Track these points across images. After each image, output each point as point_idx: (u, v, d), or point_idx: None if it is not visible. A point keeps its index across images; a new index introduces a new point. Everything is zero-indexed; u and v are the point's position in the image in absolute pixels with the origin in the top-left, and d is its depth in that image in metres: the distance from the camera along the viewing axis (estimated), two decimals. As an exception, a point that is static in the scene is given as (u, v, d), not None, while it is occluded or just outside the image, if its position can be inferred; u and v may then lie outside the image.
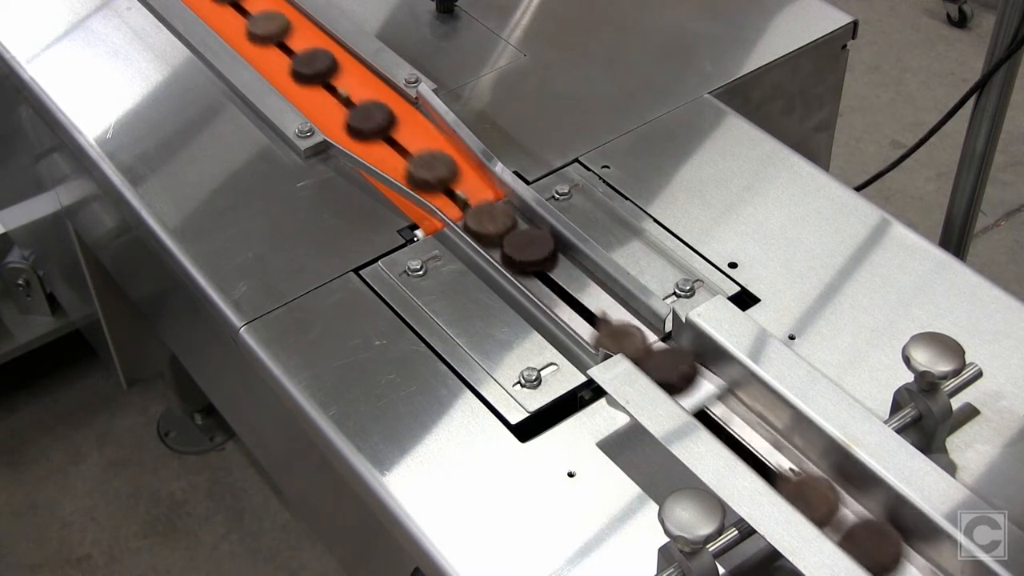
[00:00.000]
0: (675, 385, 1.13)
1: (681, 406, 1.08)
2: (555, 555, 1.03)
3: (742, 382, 1.13)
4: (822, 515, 1.02)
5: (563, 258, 1.30)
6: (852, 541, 1.00)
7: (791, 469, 1.08)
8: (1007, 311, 1.22)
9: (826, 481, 1.05)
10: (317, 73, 1.54)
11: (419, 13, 1.69)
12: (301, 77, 1.54)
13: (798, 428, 1.08)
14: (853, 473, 1.04)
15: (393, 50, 1.57)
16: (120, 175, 1.44)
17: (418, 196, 1.35)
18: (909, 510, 1.00)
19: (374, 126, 1.46)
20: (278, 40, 1.60)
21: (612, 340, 1.19)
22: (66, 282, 2.11)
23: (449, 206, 1.37)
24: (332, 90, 1.53)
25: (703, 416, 1.12)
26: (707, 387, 1.15)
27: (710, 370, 1.16)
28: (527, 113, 1.51)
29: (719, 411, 1.14)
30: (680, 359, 1.16)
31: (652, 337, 1.21)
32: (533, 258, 1.28)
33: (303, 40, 1.60)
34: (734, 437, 1.12)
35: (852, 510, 1.04)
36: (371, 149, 1.44)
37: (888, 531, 1.01)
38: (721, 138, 1.46)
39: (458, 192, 1.38)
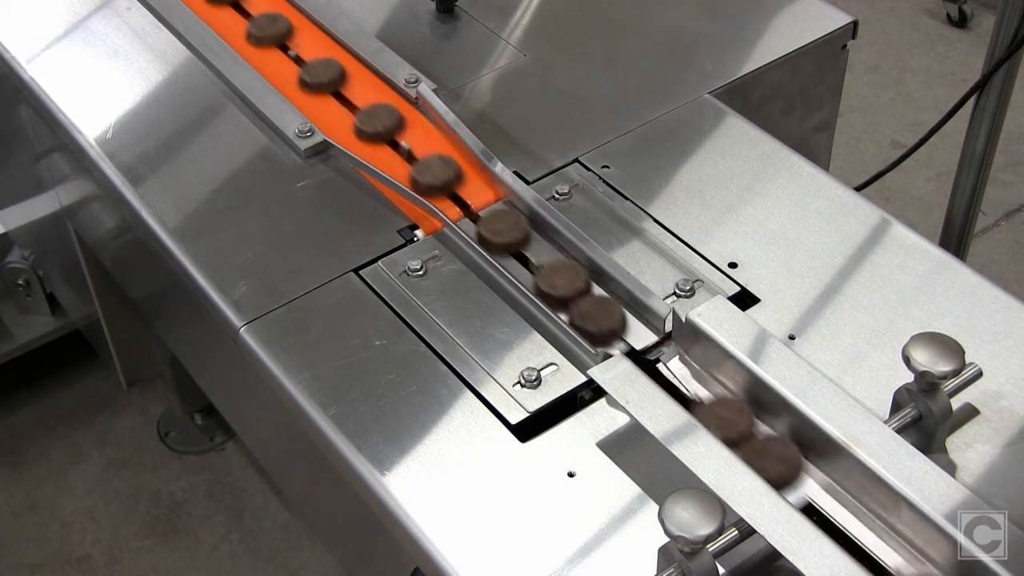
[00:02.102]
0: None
1: (679, 405, 1.08)
2: (555, 555, 1.03)
3: (741, 381, 1.13)
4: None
5: (562, 258, 1.30)
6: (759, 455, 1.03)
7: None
8: (1007, 311, 1.22)
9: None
10: (325, 82, 1.52)
11: (419, 13, 1.69)
12: (308, 86, 1.53)
13: (798, 428, 1.08)
14: (847, 466, 1.04)
15: (393, 50, 1.57)
16: (120, 175, 1.44)
17: (418, 196, 1.35)
18: (899, 501, 1.00)
19: (380, 129, 1.45)
20: (279, 42, 1.60)
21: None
22: (66, 282, 2.11)
23: (449, 206, 1.37)
24: (339, 97, 1.52)
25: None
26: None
27: (705, 366, 1.16)
28: (527, 113, 1.51)
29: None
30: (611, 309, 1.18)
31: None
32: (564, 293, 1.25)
33: (304, 41, 1.60)
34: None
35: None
36: (375, 152, 1.44)
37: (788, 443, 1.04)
38: (721, 138, 1.46)
39: (462, 196, 1.38)
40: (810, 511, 1.04)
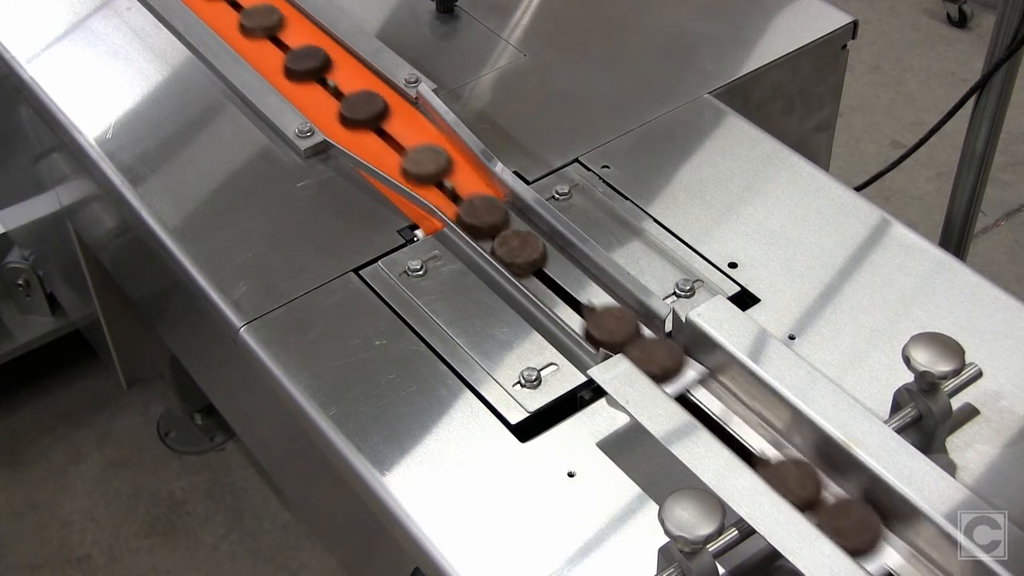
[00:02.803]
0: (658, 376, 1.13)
1: (678, 405, 1.08)
2: (555, 555, 1.03)
3: (741, 381, 1.13)
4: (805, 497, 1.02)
5: (563, 258, 1.30)
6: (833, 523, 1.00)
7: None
8: (1007, 311, 1.22)
9: (809, 465, 1.06)
10: (311, 69, 1.53)
11: (419, 13, 1.69)
12: (294, 74, 1.53)
13: (798, 427, 1.08)
14: (848, 468, 1.04)
15: (393, 50, 1.57)
16: (120, 175, 1.44)
17: (418, 196, 1.36)
18: (896, 498, 1.00)
19: (365, 115, 1.46)
20: (273, 36, 1.60)
21: (603, 327, 1.19)
22: (66, 282, 2.11)
23: (449, 206, 1.37)
24: (325, 84, 1.53)
25: (702, 415, 1.12)
26: (691, 375, 1.15)
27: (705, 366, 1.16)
28: (527, 113, 1.51)
29: (718, 410, 1.14)
30: (668, 349, 1.15)
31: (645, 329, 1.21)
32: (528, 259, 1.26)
33: (299, 38, 1.60)
34: (734, 437, 1.12)
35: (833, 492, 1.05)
36: (365, 141, 1.44)
37: (867, 511, 1.01)
38: (721, 138, 1.46)
39: (454, 188, 1.38)
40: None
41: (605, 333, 1.19)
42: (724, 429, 1.12)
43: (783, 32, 1.61)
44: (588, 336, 1.20)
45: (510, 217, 1.34)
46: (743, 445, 1.11)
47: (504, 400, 1.16)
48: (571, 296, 1.26)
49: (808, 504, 1.03)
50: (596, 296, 1.25)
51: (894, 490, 1.00)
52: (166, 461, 2.26)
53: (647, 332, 1.20)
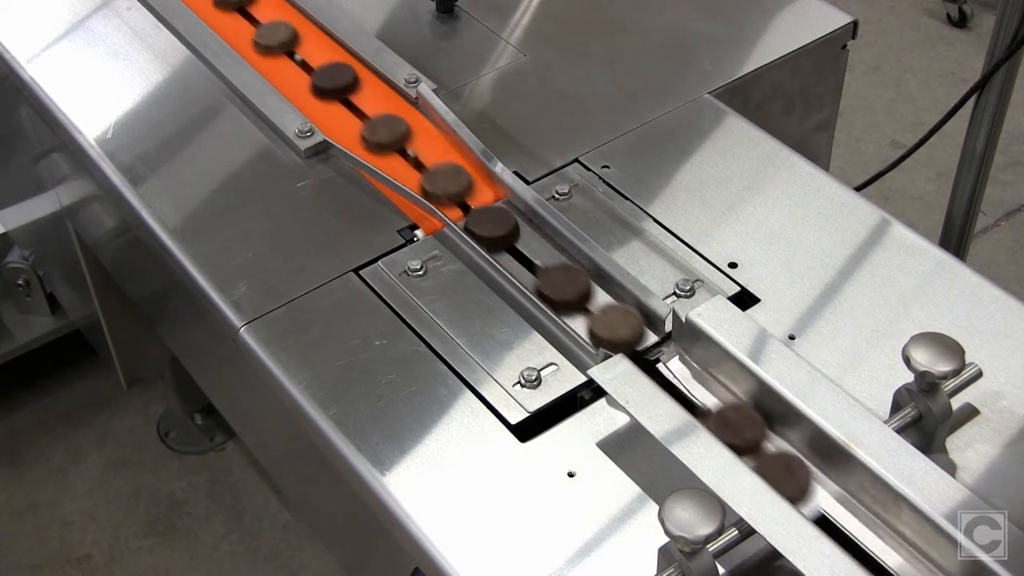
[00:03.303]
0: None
1: (680, 406, 1.08)
2: (555, 555, 1.03)
3: (741, 382, 1.13)
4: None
5: (562, 258, 1.30)
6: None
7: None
8: (1007, 311, 1.22)
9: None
10: (335, 88, 1.52)
11: (419, 13, 1.69)
12: (319, 91, 1.52)
13: (797, 427, 1.08)
14: (849, 468, 1.04)
15: (393, 50, 1.57)
16: (120, 175, 1.44)
17: (418, 197, 1.35)
18: (902, 502, 1.00)
19: (388, 139, 1.44)
20: (288, 49, 1.59)
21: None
22: (66, 282, 2.11)
23: (449, 206, 1.37)
24: (348, 104, 1.52)
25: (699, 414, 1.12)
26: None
27: (705, 366, 1.16)
28: (527, 113, 1.51)
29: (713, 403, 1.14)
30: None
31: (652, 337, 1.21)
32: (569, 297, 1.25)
33: (306, 41, 1.60)
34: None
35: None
36: (381, 160, 1.44)
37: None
38: (721, 138, 1.46)
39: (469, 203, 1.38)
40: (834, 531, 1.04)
41: (558, 292, 1.22)
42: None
43: (783, 32, 1.61)
44: (539, 294, 1.23)
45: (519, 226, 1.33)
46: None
47: (504, 400, 1.16)
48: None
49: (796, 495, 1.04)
50: (599, 299, 1.25)
51: (893, 489, 1.00)
52: (166, 461, 2.26)
53: (599, 292, 1.24)
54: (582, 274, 1.26)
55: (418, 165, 1.40)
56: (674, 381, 1.16)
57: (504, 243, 1.31)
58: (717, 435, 1.05)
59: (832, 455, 1.05)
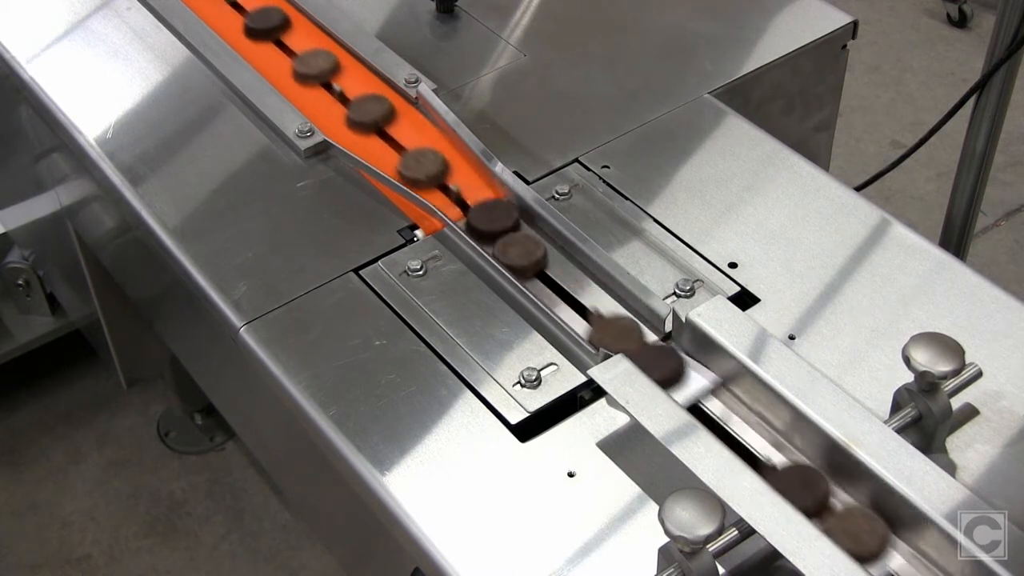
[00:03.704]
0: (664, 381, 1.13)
1: (678, 403, 1.08)
2: (555, 555, 1.03)
3: (742, 381, 1.13)
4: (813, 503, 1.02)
5: (563, 258, 1.30)
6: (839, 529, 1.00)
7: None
8: (1007, 311, 1.22)
9: (816, 471, 1.06)
10: (318, 73, 1.54)
11: (419, 13, 1.69)
12: (301, 77, 1.54)
13: (798, 428, 1.08)
14: (849, 469, 1.04)
15: (393, 50, 1.57)
16: (120, 175, 1.44)
17: (418, 196, 1.36)
18: (903, 504, 1.00)
19: (371, 118, 1.46)
20: (278, 39, 1.60)
21: (607, 335, 1.19)
22: (66, 282, 2.11)
23: (449, 206, 1.37)
24: (331, 89, 1.53)
25: (702, 415, 1.12)
26: (700, 381, 1.14)
27: (705, 366, 1.16)
28: (527, 113, 1.51)
29: (718, 410, 1.14)
30: (669, 356, 1.15)
31: (650, 335, 1.21)
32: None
33: (306, 41, 1.60)
34: (734, 437, 1.12)
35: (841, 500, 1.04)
36: (368, 144, 1.44)
37: (874, 517, 1.01)
38: (721, 138, 1.46)
39: (454, 189, 1.38)
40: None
41: (609, 340, 1.19)
42: (727, 432, 1.13)
43: (783, 32, 1.61)
44: (592, 342, 1.20)
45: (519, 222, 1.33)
46: (749, 451, 1.11)
47: (504, 400, 1.16)
48: (572, 297, 1.26)
49: (816, 510, 1.03)
50: (599, 299, 1.25)
51: (895, 491, 1.00)
52: (166, 461, 2.26)
53: (650, 337, 1.21)
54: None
55: (464, 205, 1.39)
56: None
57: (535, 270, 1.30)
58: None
59: (832, 455, 1.05)
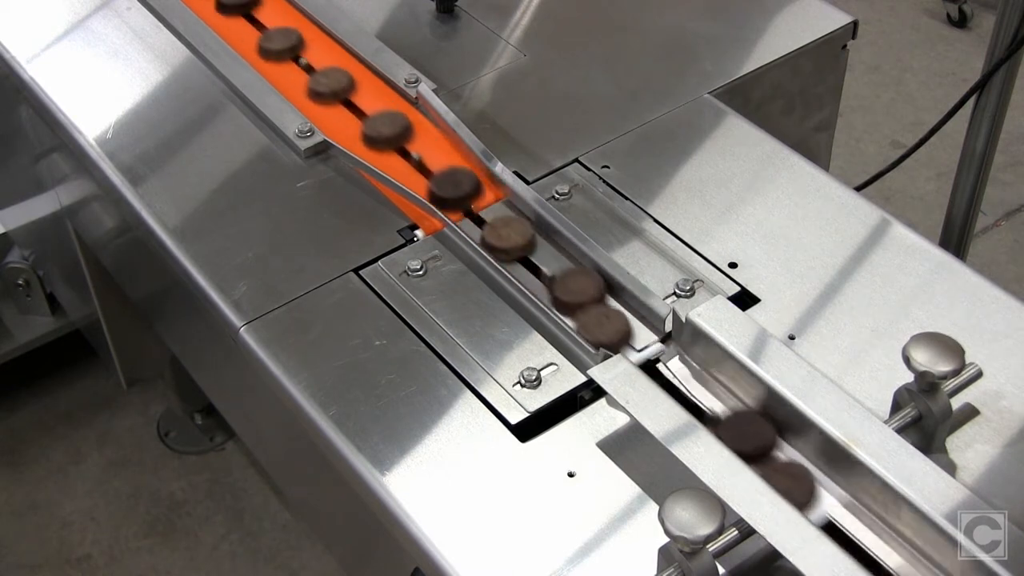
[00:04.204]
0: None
1: (680, 405, 1.08)
2: (555, 555, 1.03)
3: (741, 381, 1.13)
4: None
5: (546, 243, 1.30)
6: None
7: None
8: (1007, 311, 1.22)
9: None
10: (332, 91, 1.51)
11: (419, 13, 1.69)
12: (316, 94, 1.51)
13: (798, 428, 1.08)
14: (849, 469, 1.04)
15: (393, 50, 1.57)
16: (120, 175, 1.44)
17: (418, 196, 1.36)
18: (906, 506, 1.00)
19: (388, 135, 1.44)
20: (292, 53, 1.59)
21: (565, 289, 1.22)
22: (66, 282, 2.11)
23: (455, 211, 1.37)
24: (349, 104, 1.51)
25: (697, 411, 1.12)
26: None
27: (707, 370, 1.16)
28: (527, 113, 1.51)
29: (718, 408, 1.14)
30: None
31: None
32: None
33: (306, 43, 1.59)
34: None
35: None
36: (383, 159, 1.43)
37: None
38: (721, 138, 1.46)
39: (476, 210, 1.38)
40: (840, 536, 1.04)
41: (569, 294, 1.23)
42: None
43: (783, 32, 1.61)
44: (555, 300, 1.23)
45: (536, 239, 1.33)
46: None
47: (504, 400, 1.16)
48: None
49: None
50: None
51: (895, 491, 1.00)
52: (166, 461, 2.26)
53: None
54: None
55: (420, 167, 1.40)
56: (674, 381, 1.16)
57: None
58: (727, 442, 1.04)
59: (833, 456, 1.05)
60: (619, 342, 1.19)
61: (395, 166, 1.42)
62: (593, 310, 1.22)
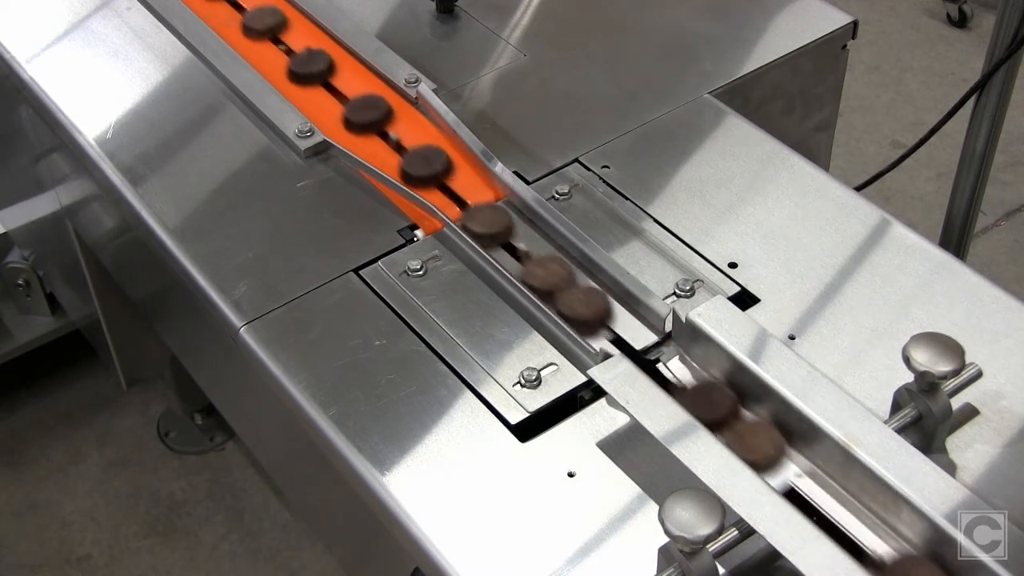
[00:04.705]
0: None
1: (680, 406, 1.08)
2: (555, 555, 1.03)
3: (741, 381, 1.13)
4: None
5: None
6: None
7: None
8: (1007, 311, 1.22)
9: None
10: (315, 73, 1.53)
11: (419, 13, 1.69)
12: (298, 77, 1.53)
13: (799, 428, 1.08)
14: (848, 468, 1.04)
15: (393, 50, 1.57)
16: (120, 175, 1.44)
17: (418, 196, 1.36)
18: (906, 506, 1.00)
19: (370, 118, 1.46)
20: (275, 37, 1.60)
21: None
22: (66, 282, 2.11)
23: (449, 205, 1.37)
24: (330, 88, 1.53)
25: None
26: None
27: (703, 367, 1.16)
28: (527, 113, 1.51)
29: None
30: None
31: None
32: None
33: (306, 42, 1.60)
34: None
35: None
36: (367, 144, 1.44)
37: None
38: (721, 138, 1.46)
39: (455, 190, 1.38)
40: (809, 509, 1.04)
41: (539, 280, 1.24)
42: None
43: (783, 32, 1.61)
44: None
45: (514, 224, 1.33)
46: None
47: (504, 400, 1.16)
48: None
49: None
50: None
51: (894, 490, 1.00)
52: (166, 461, 2.26)
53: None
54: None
55: (463, 204, 1.40)
56: (674, 381, 1.16)
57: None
58: (691, 411, 1.06)
59: (833, 455, 1.05)
60: (598, 320, 1.20)
61: (391, 163, 1.41)
62: (568, 292, 1.23)
